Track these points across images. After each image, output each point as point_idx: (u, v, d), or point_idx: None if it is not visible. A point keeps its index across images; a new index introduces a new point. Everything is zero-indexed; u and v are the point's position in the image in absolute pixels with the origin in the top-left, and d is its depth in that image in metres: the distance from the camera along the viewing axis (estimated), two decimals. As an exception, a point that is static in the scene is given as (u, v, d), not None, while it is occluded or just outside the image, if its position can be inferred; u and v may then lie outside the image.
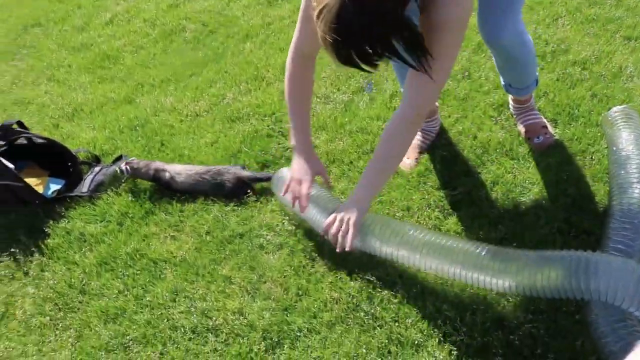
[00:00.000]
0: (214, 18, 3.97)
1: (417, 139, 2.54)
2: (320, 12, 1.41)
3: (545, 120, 2.48)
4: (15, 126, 2.76)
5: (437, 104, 2.62)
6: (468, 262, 1.77)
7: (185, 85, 3.34)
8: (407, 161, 2.50)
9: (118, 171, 2.69)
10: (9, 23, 4.91)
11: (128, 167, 2.64)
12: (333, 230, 1.84)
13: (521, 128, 2.49)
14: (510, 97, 2.53)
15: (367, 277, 2.09)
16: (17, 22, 4.85)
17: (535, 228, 2.10)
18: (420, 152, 2.54)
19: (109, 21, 4.38)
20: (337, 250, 1.83)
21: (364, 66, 1.50)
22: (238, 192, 2.50)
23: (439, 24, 1.59)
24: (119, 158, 2.81)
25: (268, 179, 2.48)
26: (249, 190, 2.49)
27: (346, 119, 2.77)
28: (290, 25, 3.65)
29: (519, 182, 2.28)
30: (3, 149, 2.63)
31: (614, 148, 2.20)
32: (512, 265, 1.70)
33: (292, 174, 2.06)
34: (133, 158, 2.72)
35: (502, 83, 2.39)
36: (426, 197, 2.32)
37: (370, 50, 1.46)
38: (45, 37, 4.44)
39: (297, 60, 1.97)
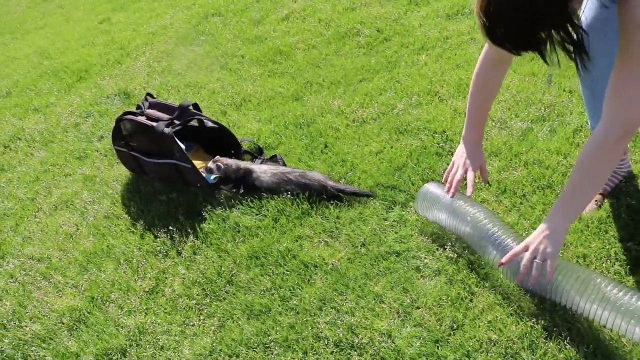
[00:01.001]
0: (390, 25, 3.89)
1: None
2: None
3: None
4: (190, 108, 2.83)
5: (629, 144, 2.36)
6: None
7: (355, 90, 3.27)
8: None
9: (210, 168, 2.73)
10: (192, 11, 5.17)
11: (220, 165, 2.68)
12: (525, 261, 1.67)
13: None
14: None
15: (531, 324, 1.88)
16: (200, 11, 5.08)
17: None
18: (604, 195, 2.29)
19: (284, 17, 4.45)
20: (518, 282, 1.66)
21: (515, 47, 1.44)
22: (319, 197, 2.52)
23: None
24: (274, 157, 2.79)
25: (352, 194, 2.50)
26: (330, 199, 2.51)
27: (522, 148, 2.57)
28: (468, 42, 3.48)
29: None
30: (177, 128, 2.69)
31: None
32: None
33: (454, 159, 2.09)
34: (223, 158, 2.74)
35: None
36: (606, 247, 2.07)
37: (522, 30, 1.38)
38: (223, 27, 4.61)
39: (486, 61, 1.93)
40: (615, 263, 2.01)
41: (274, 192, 2.60)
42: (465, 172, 2.05)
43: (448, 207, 2.20)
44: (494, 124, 2.76)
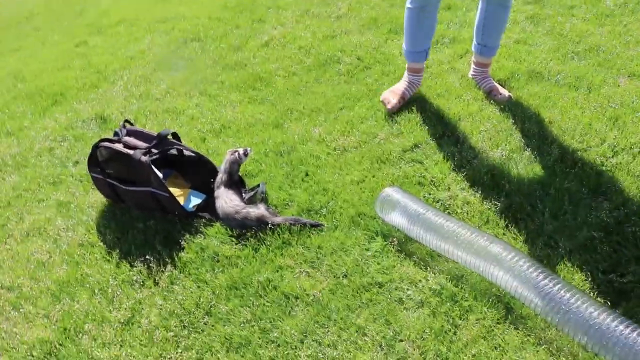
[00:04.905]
0: (370, 54, 3.90)
1: (404, 86, 3.26)
2: None
3: None
4: (169, 137, 2.79)
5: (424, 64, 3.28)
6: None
7: (336, 118, 3.26)
8: (393, 101, 3.18)
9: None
10: (171, 35, 5.13)
11: (246, 151, 2.78)
12: None
13: (487, 89, 3.22)
14: (473, 64, 3.34)
15: (516, 358, 1.87)
16: (179, 35, 5.05)
17: None
18: (404, 98, 3.22)
19: (264, 44, 4.44)
20: None
21: None
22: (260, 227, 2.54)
23: None
24: (258, 186, 2.76)
25: (301, 224, 2.51)
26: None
27: (504, 179, 2.58)
28: (448, 71, 3.51)
29: None
30: (155, 157, 2.65)
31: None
32: None
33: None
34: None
35: (476, 44, 3.21)
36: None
37: None
38: (202, 52, 4.57)
39: None
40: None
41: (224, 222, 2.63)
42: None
43: (407, 212, 2.32)
44: (475, 153, 2.76)
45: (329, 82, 3.69)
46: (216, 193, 2.68)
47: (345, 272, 2.28)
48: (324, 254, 2.37)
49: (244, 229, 2.54)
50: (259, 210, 2.54)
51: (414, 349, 1.95)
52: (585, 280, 2.09)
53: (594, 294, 2.01)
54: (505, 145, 2.79)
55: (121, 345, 2.19)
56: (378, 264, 2.28)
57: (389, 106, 3.18)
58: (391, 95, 3.22)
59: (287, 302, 2.20)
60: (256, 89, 3.79)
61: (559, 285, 1.92)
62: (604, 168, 2.57)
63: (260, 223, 2.51)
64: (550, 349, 1.89)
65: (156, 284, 2.42)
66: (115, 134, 2.80)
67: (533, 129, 2.87)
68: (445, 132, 2.96)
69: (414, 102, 3.24)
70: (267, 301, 2.23)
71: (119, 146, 2.70)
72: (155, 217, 2.73)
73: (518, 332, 1.95)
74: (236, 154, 2.72)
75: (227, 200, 2.60)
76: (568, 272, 2.13)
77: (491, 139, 2.85)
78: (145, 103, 3.88)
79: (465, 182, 2.60)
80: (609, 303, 1.96)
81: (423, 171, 2.71)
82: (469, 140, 2.87)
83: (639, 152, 2.61)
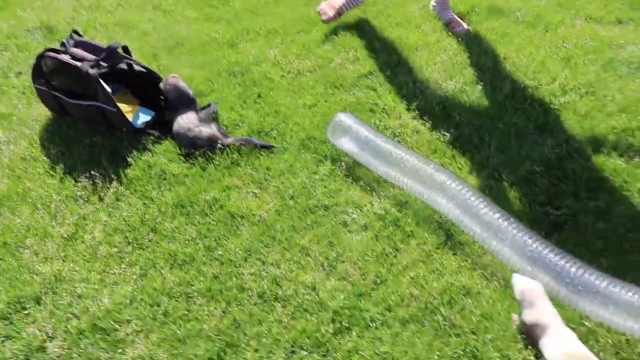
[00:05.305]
0: (331, -23, 3.80)
1: (343, 0, 3.19)
2: None
3: None
4: (119, 50, 2.69)
5: None
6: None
7: (292, 41, 3.20)
8: (329, 13, 3.19)
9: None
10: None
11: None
12: None
13: (446, 21, 3.19)
14: None
15: (452, 281, 1.94)
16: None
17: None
18: (340, 13, 3.20)
19: (223, -39, 4.26)
20: None
21: None
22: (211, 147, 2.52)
23: None
24: (208, 106, 2.71)
25: (252, 145, 2.50)
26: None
27: (455, 110, 2.60)
28: (410, 1, 3.45)
29: (631, 216, 2.07)
30: (104, 70, 2.56)
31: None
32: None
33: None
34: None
35: None
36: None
37: None
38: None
39: None
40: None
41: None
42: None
43: (357, 138, 2.34)
44: (429, 83, 2.77)
45: (288, 3, 3.60)
46: (172, 112, 2.64)
47: (292, 194, 2.29)
48: (272, 175, 2.38)
49: (194, 148, 2.51)
50: (210, 129, 2.51)
51: (355, 270, 2.00)
52: (524, 211, 2.15)
53: (530, 225, 2.07)
54: (459, 77, 2.80)
55: (64, 260, 2.16)
56: (325, 187, 2.30)
57: (324, 17, 3.19)
58: (328, 7, 3.19)
59: (232, 222, 2.21)
60: (213, 7, 3.68)
61: (497, 215, 1.98)
62: (552, 106, 2.61)
63: (211, 143, 2.48)
64: (485, 273, 1.96)
65: (101, 200, 2.38)
66: (62, 44, 2.68)
67: (488, 64, 2.88)
68: (400, 61, 2.94)
69: (371, 29, 3.20)
70: (213, 220, 2.23)
71: (65, 57, 2.59)
72: (102, 133, 2.66)
73: (456, 257, 2.01)
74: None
75: (183, 117, 2.56)
76: (508, 203, 2.19)
77: (446, 71, 2.85)
78: (95, 14, 3.71)
79: (417, 111, 2.61)
80: (544, 233, 2.03)
81: (376, 98, 2.71)
82: (424, 70, 2.87)
83: (586, 92, 2.65)
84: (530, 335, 1.75)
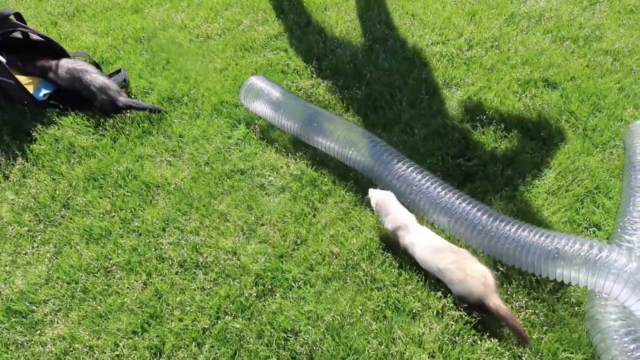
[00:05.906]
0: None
1: None
2: None
3: None
4: (12, 17, 2.53)
5: None
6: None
7: (199, 4, 3.12)
8: None
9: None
10: None
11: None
12: None
13: None
14: None
15: (371, 236, 1.98)
16: None
17: (543, 213, 2.02)
18: None
19: None
20: None
21: None
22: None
23: None
24: (118, 71, 2.61)
25: (142, 109, 2.46)
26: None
27: (365, 68, 2.62)
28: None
29: (535, 162, 2.18)
30: (-4, 40, 2.41)
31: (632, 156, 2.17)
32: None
33: None
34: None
35: None
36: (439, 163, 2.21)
37: None
38: None
39: None
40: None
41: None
42: None
43: (270, 100, 2.33)
44: (339, 42, 2.77)
45: (192, -35, 3.49)
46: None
47: (207, 160, 2.27)
48: (185, 142, 2.34)
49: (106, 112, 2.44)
50: (115, 89, 2.47)
51: (275, 232, 2.02)
52: (437, 163, 2.22)
53: (443, 176, 2.14)
54: (369, 35, 2.82)
55: (-30, 243, 2.07)
56: (240, 151, 2.29)
57: None
58: None
59: (148, 192, 2.17)
60: (113, -30, 3.51)
61: (411, 168, 2.03)
62: (459, 60, 2.68)
63: (105, 92, 2.44)
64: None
65: (6, 178, 2.28)
66: (-54, 13, 2.50)
67: (396, 21, 2.91)
68: (310, 21, 2.93)
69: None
70: (128, 191, 2.18)
71: (-50, 27, 2.43)
72: (3, 109, 2.53)
73: (373, 214, 2.06)
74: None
75: (108, 79, 2.50)
76: (421, 156, 2.24)
77: (355, 29, 2.87)
78: (-16, -19, 3.48)
79: (328, 70, 2.62)
80: (456, 184, 2.10)
81: (287, 59, 2.69)
82: (333, 29, 2.87)
83: (491, 46, 2.74)
84: (395, 240, 1.90)
